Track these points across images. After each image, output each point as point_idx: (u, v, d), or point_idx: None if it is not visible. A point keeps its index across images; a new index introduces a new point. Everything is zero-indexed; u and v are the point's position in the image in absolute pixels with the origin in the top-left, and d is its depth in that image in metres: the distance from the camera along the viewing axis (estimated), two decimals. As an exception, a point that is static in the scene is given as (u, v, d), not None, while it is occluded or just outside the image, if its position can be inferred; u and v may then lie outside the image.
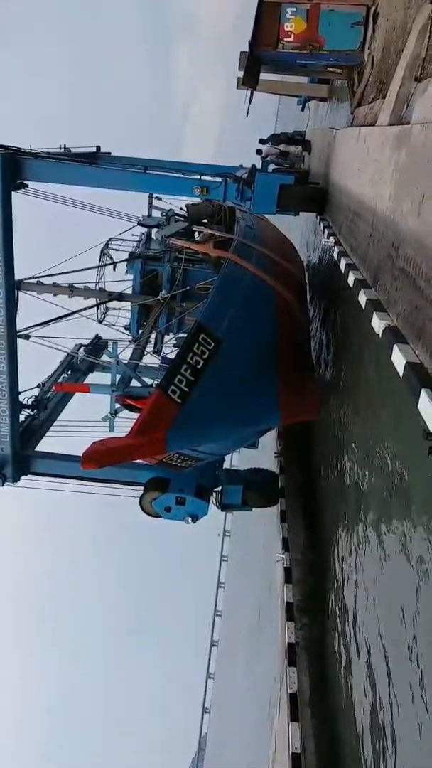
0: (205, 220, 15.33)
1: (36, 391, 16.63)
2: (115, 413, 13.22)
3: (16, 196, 12.98)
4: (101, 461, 9.03)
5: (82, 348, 19.69)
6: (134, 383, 14.19)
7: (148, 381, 14.98)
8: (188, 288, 16.43)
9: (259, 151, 21.82)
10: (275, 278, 13.32)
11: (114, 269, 17.77)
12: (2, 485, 14.29)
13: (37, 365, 16.54)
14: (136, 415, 11.45)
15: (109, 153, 19.25)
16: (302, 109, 30.96)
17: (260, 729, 21.97)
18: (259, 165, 18.03)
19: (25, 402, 15.42)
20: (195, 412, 9.93)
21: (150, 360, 18.75)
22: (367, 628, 9.31)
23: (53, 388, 17.06)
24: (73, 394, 17.30)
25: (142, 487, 13.81)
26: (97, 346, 20.55)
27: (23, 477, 14.66)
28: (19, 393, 14.31)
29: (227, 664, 54.57)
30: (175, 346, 18.72)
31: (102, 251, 18.17)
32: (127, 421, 13.25)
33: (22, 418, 14.99)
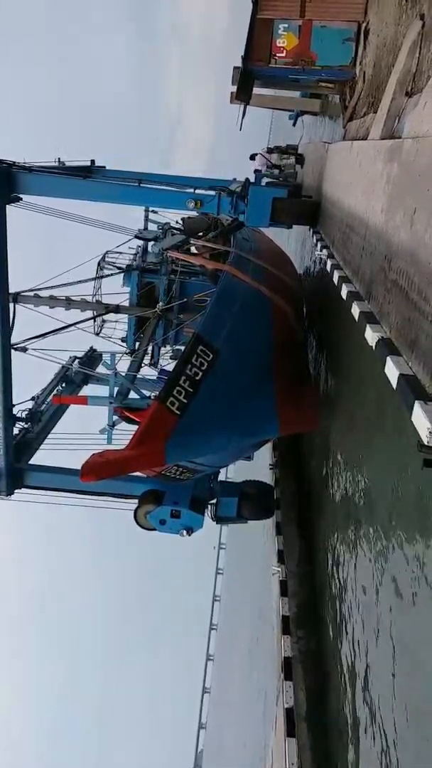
0: (201, 233, 15.42)
1: (30, 404, 16.57)
2: (113, 425, 13.19)
3: (12, 209, 13.03)
4: (100, 473, 9.02)
5: (77, 360, 19.68)
6: (132, 395, 14.15)
7: (146, 393, 14.95)
8: (185, 300, 16.49)
9: (252, 157, 22.13)
10: (272, 290, 13.39)
11: (113, 275, 17.86)
12: (-4, 499, 14.21)
13: (30, 378, 16.49)
14: (134, 428, 11.44)
15: (104, 166, 19.36)
16: (294, 124, 31.19)
17: (257, 744, 21.75)
18: (252, 176, 18.16)
19: (19, 415, 15.36)
20: (194, 424, 9.92)
21: (147, 372, 18.77)
22: (364, 641, 9.26)
23: (51, 400, 17.01)
24: (67, 406, 17.25)
25: (136, 500, 13.75)
26: (91, 358, 20.55)
27: (17, 490, 14.57)
28: (13, 405, 14.26)
29: (223, 678, 54.15)
30: (171, 358, 18.74)
31: (99, 264, 18.24)
32: (125, 433, 13.20)
33: (15, 431, 14.92)
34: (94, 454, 9.45)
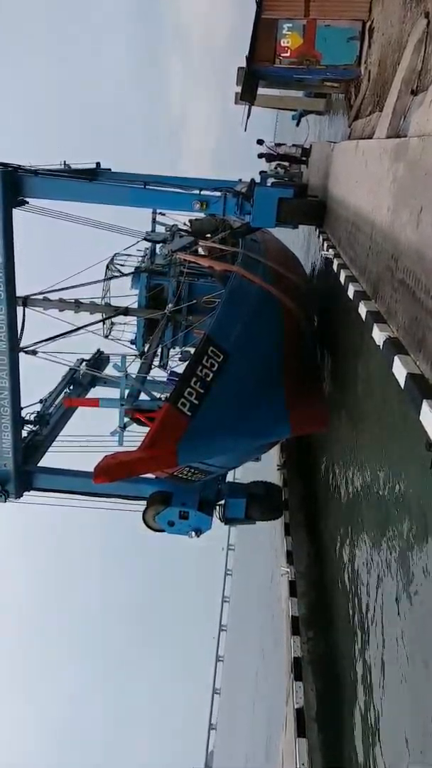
0: (208, 235, 15.44)
1: (38, 407, 16.63)
2: (124, 427, 13.22)
3: (20, 213, 13.09)
4: (113, 475, 9.06)
5: (84, 363, 19.74)
6: (142, 397, 14.16)
7: (156, 395, 14.96)
8: (194, 301, 16.53)
9: (260, 142, 22.21)
10: (281, 290, 13.39)
11: (124, 276, 17.93)
12: (5, 501, 14.25)
13: (36, 380, 16.54)
14: (145, 429, 11.46)
15: (109, 169, 19.41)
16: (297, 124, 31.05)
17: (267, 745, 21.74)
18: (258, 176, 18.17)
19: (27, 417, 15.42)
20: (205, 425, 9.94)
21: (156, 373, 18.78)
22: (374, 641, 9.23)
23: (63, 402, 17.08)
24: (75, 408, 17.30)
25: (145, 502, 13.76)
26: (98, 360, 20.59)
27: (26, 493, 14.62)
28: (21, 408, 14.31)
29: (233, 679, 54.12)
30: (180, 359, 18.77)
31: (107, 266, 18.30)
32: (136, 435, 13.20)
33: (24, 433, 14.98)
34: (106, 456, 9.48)
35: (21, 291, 14.05)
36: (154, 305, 17.26)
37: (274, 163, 24.09)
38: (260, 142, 22.35)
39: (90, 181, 15.36)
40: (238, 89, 19.32)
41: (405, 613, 7.91)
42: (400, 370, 5.36)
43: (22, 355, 13.75)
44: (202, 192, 15.21)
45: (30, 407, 15.86)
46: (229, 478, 16.87)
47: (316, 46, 15.12)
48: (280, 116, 52.99)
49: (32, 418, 15.86)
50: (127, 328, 18.28)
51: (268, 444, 15.10)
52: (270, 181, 17.85)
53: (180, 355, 19.55)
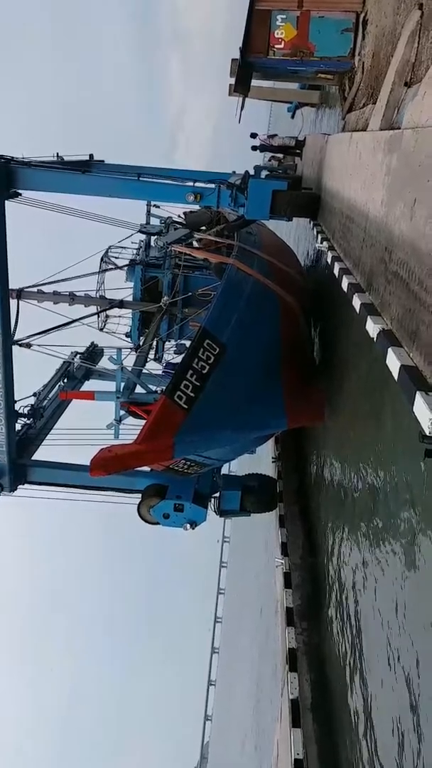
0: (203, 227, 15.41)
1: (32, 400, 16.60)
2: (120, 420, 13.23)
3: (15, 205, 13.03)
4: (109, 468, 9.07)
5: (78, 356, 19.71)
6: (138, 390, 14.18)
7: (152, 388, 14.98)
8: (189, 294, 16.50)
9: (254, 135, 22.17)
10: (277, 283, 13.37)
11: (122, 270, 17.89)
12: (-1, 495, 14.26)
13: (30, 373, 16.52)
14: (141, 422, 11.47)
15: (103, 161, 19.31)
16: (293, 116, 30.90)
17: (262, 735, 21.90)
18: (252, 168, 18.10)
19: (21, 411, 15.39)
20: (202, 418, 9.95)
21: (151, 366, 18.78)
22: (368, 632, 9.29)
23: (58, 395, 17.07)
24: (69, 402, 17.28)
25: (139, 495, 13.78)
26: (92, 353, 20.56)
27: (20, 486, 14.62)
28: (15, 401, 14.28)
29: (228, 670, 54.42)
30: (176, 352, 18.79)
31: (102, 259, 18.24)
32: (132, 428, 13.20)
33: (18, 426, 14.96)
34: (102, 449, 9.49)
35: (15, 283, 14.02)
36: (149, 298, 17.23)
37: (268, 155, 24.05)
38: (254, 135, 22.30)
39: (83, 172, 15.27)
40: (233, 81, 19.21)
41: (400, 603, 7.96)
42: (393, 362, 5.36)
43: (15, 347, 13.73)
44: (196, 184, 15.15)
45: (24, 400, 15.84)
46: (224, 470, 16.92)
47: (310, 37, 15.05)
48: (275, 108, 52.79)
49: (26, 411, 15.84)
50: (123, 321, 18.25)
51: (264, 436, 15.14)
52: (264, 173, 17.79)
53: (175, 348, 19.57)
